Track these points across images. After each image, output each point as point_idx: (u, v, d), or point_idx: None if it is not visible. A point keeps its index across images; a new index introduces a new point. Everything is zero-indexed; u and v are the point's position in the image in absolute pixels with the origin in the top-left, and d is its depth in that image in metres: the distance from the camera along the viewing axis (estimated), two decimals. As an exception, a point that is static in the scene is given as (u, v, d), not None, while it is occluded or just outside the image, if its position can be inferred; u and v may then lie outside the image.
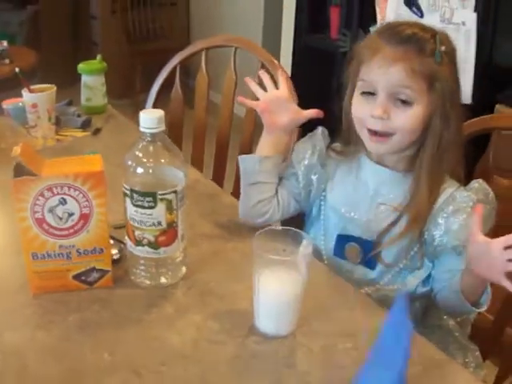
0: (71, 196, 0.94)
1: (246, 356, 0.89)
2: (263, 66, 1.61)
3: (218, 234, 1.17)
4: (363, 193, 1.15)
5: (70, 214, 0.96)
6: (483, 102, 1.80)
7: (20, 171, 0.93)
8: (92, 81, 1.71)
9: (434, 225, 1.08)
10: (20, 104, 1.63)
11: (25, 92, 1.56)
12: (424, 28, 1.08)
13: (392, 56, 1.04)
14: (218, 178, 1.68)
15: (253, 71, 1.58)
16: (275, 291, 0.89)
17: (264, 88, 1.21)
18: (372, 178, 1.14)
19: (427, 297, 1.15)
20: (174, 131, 1.80)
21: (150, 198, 0.95)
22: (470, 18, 1.79)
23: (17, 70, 1.54)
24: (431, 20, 1.86)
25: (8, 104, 1.65)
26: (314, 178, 1.19)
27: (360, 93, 1.09)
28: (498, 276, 0.91)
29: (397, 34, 1.06)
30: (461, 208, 1.06)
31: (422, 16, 1.87)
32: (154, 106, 1.82)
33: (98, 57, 1.73)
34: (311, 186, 1.20)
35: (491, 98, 1.87)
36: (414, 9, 1.86)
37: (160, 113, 0.96)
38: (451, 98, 1.07)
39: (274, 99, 1.18)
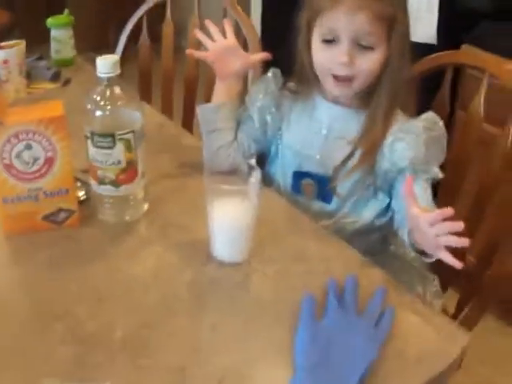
0: (35, 141, 1.01)
1: (203, 282, 0.98)
2: (225, 11, 1.68)
3: (180, 173, 1.24)
4: (317, 130, 1.22)
5: (36, 159, 1.03)
6: (449, 42, 1.84)
7: (-14, 119, 1.01)
8: (60, 34, 1.76)
9: (381, 154, 1.15)
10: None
11: (-5, 49, 1.62)
12: None
13: (356, 4, 1.09)
14: (188, 124, 1.75)
15: (217, 16, 1.65)
16: (228, 219, 0.97)
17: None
18: (326, 115, 1.21)
19: (386, 228, 1.23)
20: (143, 79, 1.87)
21: (109, 139, 1.02)
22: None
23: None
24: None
25: (-22, 61, 1.71)
26: (268, 118, 1.25)
27: (321, 40, 1.14)
28: (433, 249, 0.94)
29: None
30: (405, 133, 1.14)
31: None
32: (123, 55, 1.88)
33: (66, 11, 1.78)
34: (266, 126, 1.26)
35: (457, 39, 1.92)
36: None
37: (115, 58, 1.02)
38: (408, 37, 1.14)
39: (223, 48, 1.24)
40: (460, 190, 1.33)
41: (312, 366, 0.79)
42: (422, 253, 1.00)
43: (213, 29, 1.25)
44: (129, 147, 1.04)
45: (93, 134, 1.03)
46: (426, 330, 0.89)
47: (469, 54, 1.34)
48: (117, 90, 1.03)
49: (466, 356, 0.87)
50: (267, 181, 1.28)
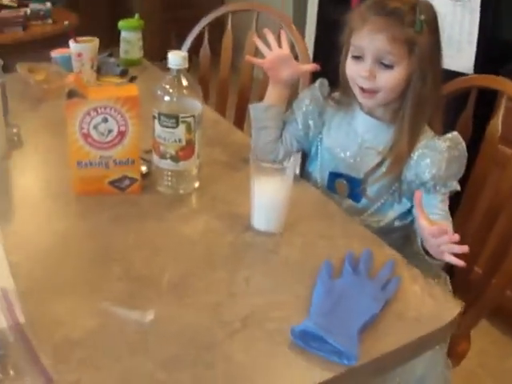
0: (111, 116, 1.24)
1: (241, 245, 1.19)
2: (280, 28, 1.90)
3: (228, 161, 1.46)
4: (353, 138, 1.41)
5: (110, 131, 1.25)
6: (485, 73, 2.03)
7: (72, 95, 1.24)
8: (130, 36, 2.02)
9: (408, 166, 1.33)
10: (66, 54, 1.94)
11: (71, 43, 1.87)
12: (407, 1, 1.30)
13: (377, 26, 1.27)
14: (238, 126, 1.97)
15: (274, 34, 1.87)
16: (267, 194, 1.18)
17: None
18: (362, 125, 1.40)
19: (406, 229, 1.41)
20: (202, 88, 2.09)
21: (174, 120, 1.24)
22: (474, -6, 2.04)
23: (66, 22, 1.84)
24: (441, -4, 2.11)
25: (56, 53, 1.96)
26: (311, 122, 1.45)
27: (351, 56, 1.33)
28: (438, 254, 1.14)
29: (381, 7, 1.29)
30: (430, 150, 1.31)
31: (433, -8, 2.12)
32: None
33: (136, 15, 2.04)
34: (309, 129, 1.46)
35: (493, 71, 2.11)
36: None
37: (184, 53, 1.25)
38: (429, 60, 1.29)
39: (277, 57, 1.43)
40: (476, 206, 1.51)
41: (323, 313, 0.98)
42: (432, 256, 1.20)
43: (270, 38, 1.45)
44: (189, 129, 1.26)
45: (160, 114, 1.25)
46: (424, 298, 1.07)
47: (489, 78, 1.52)
48: (183, 80, 1.25)
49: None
50: (306, 177, 1.48)
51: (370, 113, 1.40)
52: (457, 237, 1.08)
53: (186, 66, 1.25)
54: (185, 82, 1.26)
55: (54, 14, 3.27)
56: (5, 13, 3.11)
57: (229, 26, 2.05)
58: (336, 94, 1.47)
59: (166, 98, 1.25)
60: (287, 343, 0.94)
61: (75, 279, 1.08)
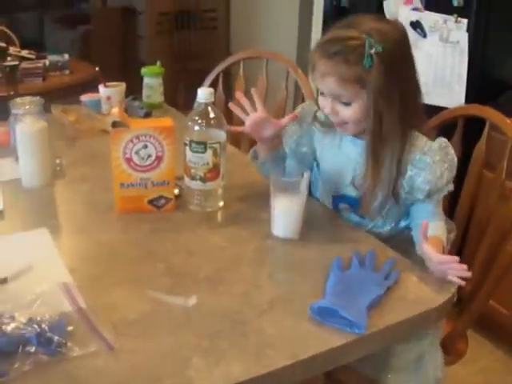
0: (151, 143, 1.51)
1: (263, 249, 1.45)
2: (288, 73, 2.20)
3: (248, 184, 1.73)
4: (346, 161, 1.56)
5: (149, 156, 1.52)
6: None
7: (116, 125, 1.51)
8: (152, 81, 2.31)
9: (401, 186, 1.49)
10: (95, 98, 2.23)
11: (101, 87, 2.16)
12: (353, 37, 1.37)
13: (325, 70, 1.40)
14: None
15: (281, 77, 2.16)
16: (284, 205, 1.44)
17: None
18: (351, 148, 1.54)
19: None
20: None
21: (202, 146, 1.51)
22: (462, 38, 2.34)
23: (97, 68, 2.13)
24: (433, 40, 2.42)
25: (85, 97, 2.26)
26: (304, 150, 1.63)
27: (320, 92, 1.48)
28: (442, 274, 1.30)
29: (326, 50, 1.39)
30: (420, 170, 1.46)
31: (425, 36, 2.43)
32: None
33: (158, 63, 2.34)
34: (303, 158, 1.64)
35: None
36: (418, 30, 2.42)
37: (211, 89, 1.53)
38: (384, 94, 1.38)
39: (254, 121, 1.53)
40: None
41: (336, 293, 1.23)
42: None
43: (243, 101, 1.55)
44: (215, 153, 1.53)
45: (191, 141, 1.52)
46: (421, 285, 1.32)
47: (475, 107, 1.79)
48: (211, 112, 1.53)
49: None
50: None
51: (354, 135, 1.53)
52: (465, 266, 1.27)
53: (213, 99, 1.53)
54: (211, 114, 1.53)
55: (71, 66, 3.60)
56: (25, 64, 3.42)
57: (240, 73, 2.34)
58: (321, 115, 1.58)
59: (196, 128, 1.53)
60: (307, 318, 1.18)
61: (125, 275, 1.32)
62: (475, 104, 1.79)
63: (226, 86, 2.42)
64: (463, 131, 1.79)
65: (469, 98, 2.42)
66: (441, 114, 1.82)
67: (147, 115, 2.23)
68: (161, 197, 1.56)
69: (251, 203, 1.63)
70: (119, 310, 1.21)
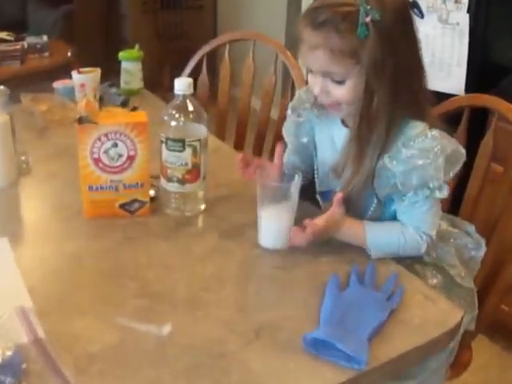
0: (121, 141, 1.30)
1: (250, 261, 1.25)
2: (277, 55, 1.99)
3: (233, 184, 1.52)
4: (334, 150, 1.35)
5: (120, 155, 1.31)
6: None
7: (83, 121, 1.30)
8: (131, 66, 2.09)
9: (378, 178, 1.26)
10: (68, 84, 2.01)
11: (74, 73, 1.94)
12: (346, 3, 1.15)
13: (313, 41, 1.17)
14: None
15: (270, 60, 1.96)
16: (273, 214, 1.24)
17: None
18: (338, 137, 1.34)
19: None
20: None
21: (180, 144, 1.30)
22: (463, 19, 2.13)
23: (69, 53, 1.92)
24: (430, 20, 2.20)
25: (58, 84, 2.03)
26: (304, 140, 1.44)
27: (309, 71, 1.26)
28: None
29: (314, 18, 1.16)
30: (397, 160, 1.23)
31: (422, 17, 2.21)
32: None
33: (136, 46, 2.11)
34: (305, 149, 1.46)
35: (483, 92, 2.20)
36: (416, 10, 2.19)
37: (189, 80, 1.32)
38: (379, 67, 1.16)
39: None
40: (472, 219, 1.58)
41: (333, 321, 1.04)
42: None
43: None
44: (195, 152, 1.32)
45: (167, 139, 1.31)
46: (428, 307, 1.12)
47: (483, 98, 1.59)
48: (189, 105, 1.32)
49: None
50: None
51: (346, 125, 1.34)
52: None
53: (192, 91, 1.32)
54: (190, 107, 1.32)
55: (51, 47, 3.36)
56: (2, 47, 3.19)
57: (226, 57, 2.12)
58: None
59: (173, 123, 1.32)
60: (299, 351, 0.99)
61: (91, 297, 1.13)
62: (482, 94, 1.58)
63: (211, 69, 2.21)
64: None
65: (469, 82, 2.22)
66: (444, 104, 1.61)
67: (124, 103, 2.02)
68: (134, 200, 1.36)
69: (237, 205, 1.42)
70: (82, 340, 1.02)
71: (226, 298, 1.13)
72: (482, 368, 2.26)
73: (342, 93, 1.21)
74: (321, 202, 1.46)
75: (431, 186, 1.22)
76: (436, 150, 1.21)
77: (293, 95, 1.96)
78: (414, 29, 1.23)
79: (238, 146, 2.10)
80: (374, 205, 1.33)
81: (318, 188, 1.46)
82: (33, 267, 1.21)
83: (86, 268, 1.22)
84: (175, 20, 4.55)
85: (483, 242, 1.45)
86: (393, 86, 1.19)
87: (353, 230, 1.28)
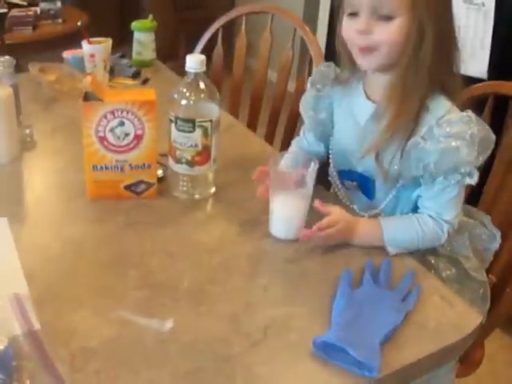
0: (128, 119, 1.22)
1: (260, 252, 1.17)
2: (295, 30, 1.89)
3: (245, 165, 1.43)
4: (355, 126, 1.28)
5: (127, 134, 1.23)
6: (498, 78, 2.01)
7: (88, 97, 1.22)
8: (143, 37, 2.00)
9: (407, 158, 1.19)
10: (78, 54, 1.93)
11: (84, 43, 1.85)
12: None
13: None
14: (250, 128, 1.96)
15: (287, 34, 1.87)
16: (286, 203, 1.16)
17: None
18: (362, 112, 1.27)
19: None
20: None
21: (190, 124, 1.22)
22: (488, 0, 2.02)
23: (79, 23, 1.83)
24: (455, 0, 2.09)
25: (68, 54, 1.95)
26: (322, 116, 1.37)
27: (347, 15, 1.18)
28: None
29: None
30: (425, 139, 1.17)
31: (447, -5, 2.10)
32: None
33: (150, 16, 2.02)
34: (323, 126, 1.38)
35: (506, 75, 2.09)
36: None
37: (202, 57, 1.23)
38: (432, 13, 1.13)
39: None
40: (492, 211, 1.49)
41: (345, 323, 0.96)
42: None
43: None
44: (206, 133, 1.24)
45: (177, 118, 1.23)
46: (444, 308, 1.05)
47: (508, 85, 1.49)
48: (201, 84, 1.23)
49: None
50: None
51: (370, 96, 1.27)
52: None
53: (204, 69, 1.23)
54: (202, 86, 1.24)
55: (64, 14, 3.26)
56: (14, 12, 3.09)
57: (242, 28, 2.03)
58: (341, 74, 1.34)
59: (183, 102, 1.23)
60: (309, 354, 0.92)
61: (91, 286, 1.06)
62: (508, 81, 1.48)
63: (227, 40, 2.11)
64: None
65: (491, 66, 2.11)
66: (468, 89, 1.51)
67: (136, 74, 1.94)
68: (140, 182, 1.28)
69: (248, 190, 1.33)
70: (80, 334, 0.95)
71: (232, 291, 1.06)
72: (488, 358, 2.19)
73: (387, 31, 1.14)
74: (335, 183, 1.40)
75: (462, 170, 1.16)
76: (470, 132, 1.15)
77: (310, 71, 1.89)
78: (452, 7, 1.19)
79: (252, 121, 2.02)
80: (391, 194, 1.27)
81: (333, 168, 1.39)
82: (32, 251, 1.14)
83: (86, 255, 1.14)
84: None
85: (498, 234, 1.38)
86: (439, 43, 1.15)
87: (369, 229, 1.21)
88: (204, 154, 1.26)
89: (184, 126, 1.23)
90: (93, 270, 1.10)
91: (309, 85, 1.40)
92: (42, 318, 0.95)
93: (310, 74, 1.89)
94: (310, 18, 2.94)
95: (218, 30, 2.06)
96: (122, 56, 2.01)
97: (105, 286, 1.06)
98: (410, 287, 1.07)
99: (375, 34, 1.15)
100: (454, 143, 1.15)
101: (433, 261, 1.29)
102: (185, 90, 1.23)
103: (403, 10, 1.12)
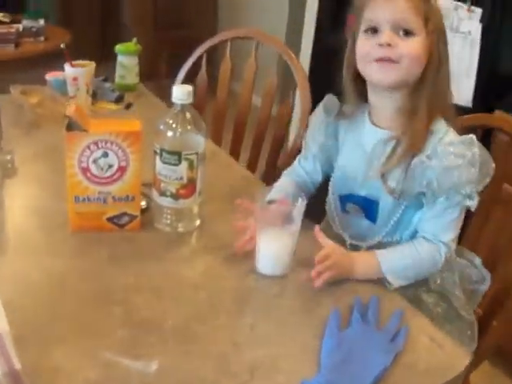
0: (112, 150, 1.19)
1: (245, 289, 1.15)
2: (281, 57, 1.88)
3: (230, 196, 1.40)
4: (362, 155, 1.28)
5: (110, 166, 1.21)
6: (483, 106, 2.02)
7: (72, 127, 1.19)
8: (127, 60, 1.98)
9: (411, 176, 1.21)
10: (61, 77, 1.90)
11: (67, 66, 1.82)
12: None
13: None
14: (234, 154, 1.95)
15: (270, 58, 1.86)
16: (273, 239, 1.14)
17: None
18: (369, 140, 1.28)
19: None
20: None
21: (176, 157, 1.20)
22: (475, 28, 2.02)
23: (62, 45, 1.80)
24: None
25: (50, 76, 1.92)
26: (330, 142, 1.36)
27: (364, 31, 1.20)
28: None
29: None
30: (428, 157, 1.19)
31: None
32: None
33: (134, 39, 2.00)
34: (329, 152, 1.38)
35: (490, 104, 2.10)
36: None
37: (189, 88, 1.21)
38: (443, 38, 1.20)
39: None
40: (478, 242, 1.48)
41: (334, 366, 0.95)
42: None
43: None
44: (191, 166, 1.22)
45: (162, 150, 1.21)
46: (434, 350, 1.03)
47: (502, 119, 1.49)
48: (188, 115, 1.21)
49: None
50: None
51: (376, 124, 1.28)
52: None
53: (191, 100, 1.21)
54: (189, 117, 1.22)
55: (47, 31, 3.23)
56: (-4, 28, 3.06)
57: (227, 53, 2.02)
58: (346, 107, 1.35)
59: (170, 134, 1.21)
60: (296, 397, 0.90)
61: (75, 323, 1.03)
62: (500, 113, 1.49)
63: (211, 63, 2.09)
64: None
65: (477, 94, 2.12)
66: (458, 120, 1.51)
67: (119, 99, 1.91)
68: (124, 214, 1.26)
69: (232, 222, 1.31)
70: (64, 375, 0.92)
71: (218, 330, 1.03)
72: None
73: (411, 45, 1.17)
74: (334, 208, 1.39)
75: (463, 192, 1.18)
76: (471, 153, 1.18)
77: (294, 96, 1.88)
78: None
79: (235, 146, 2.00)
80: (395, 217, 1.28)
81: (332, 194, 1.39)
82: (11, 282, 1.11)
83: (69, 288, 1.11)
84: (175, 6, 4.40)
85: (488, 276, 1.38)
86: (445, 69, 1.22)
87: (366, 261, 1.21)
88: (189, 187, 1.23)
89: (170, 159, 1.21)
90: (75, 305, 1.07)
91: (321, 110, 1.39)
92: (23, 356, 0.92)
93: (293, 100, 1.89)
94: (293, 42, 2.94)
95: (202, 54, 2.05)
96: (105, 80, 1.98)
97: (88, 323, 1.03)
98: (397, 327, 1.06)
99: (398, 48, 1.16)
100: (456, 161, 1.17)
101: (424, 296, 1.29)
102: (171, 122, 1.21)
103: (422, 30, 1.17)
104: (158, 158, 1.22)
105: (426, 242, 1.22)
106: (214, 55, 2.09)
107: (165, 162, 1.21)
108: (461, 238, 1.46)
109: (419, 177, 1.20)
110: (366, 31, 1.20)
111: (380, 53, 1.17)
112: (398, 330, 1.05)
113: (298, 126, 1.87)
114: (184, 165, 1.21)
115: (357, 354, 0.97)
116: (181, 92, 1.19)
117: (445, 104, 1.24)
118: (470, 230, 1.50)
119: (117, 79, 2.00)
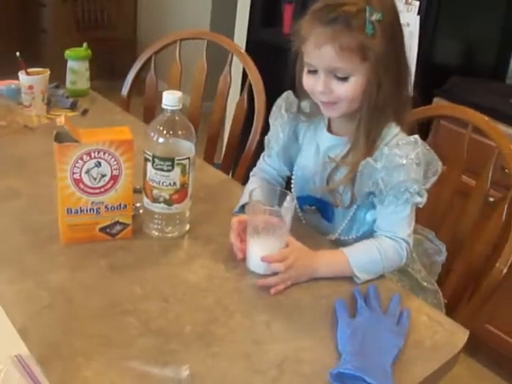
0: (105, 160, 1.19)
1: (248, 288, 1.17)
2: (232, 56, 1.92)
3: (211, 198, 1.44)
4: (317, 157, 1.35)
5: (103, 175, 1.20)
6: (423, 95, 2.11)
7: (62, 138, 1.17)
8: (77, 66, 1.95)
9: (360, 176, 1.26)
10: (13, 86, 1.85)
11: (21, 74, 1.77)
12: (352, 2, 1.17)
13: (321, 38, 1.18)
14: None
15: (222, 60, 1.87)
16: (263, 244, 1.17)
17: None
18: (324, 144, 1.35)
19: None
20: (148, 115, 2.05)
21: (169, 163, 1.21)
22: (413, 20, 2.12)
23: (17, 54, 1.74)
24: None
25: (2, 85, 1.86)
26: (292, 142, 1.41)
27: (307, 71, 1.25)
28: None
29: (324, 16, 1.18)
30: (382, 161, 1.24)
31: (370, 17, 2.19)
32: (129, 92, 2.08)
33: (84, 44, 1.97)
34: (291, 151, 1.42)
35: (430, 92, 2.21)
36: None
37: (179, 94, 1.21)
38: (385, 63, 1.19)
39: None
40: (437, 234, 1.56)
41: (356, 352, 0.99)
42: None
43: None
44: (184, 171, 1.23)
45: (154, 157, 1.21)
46: (435, 327, 1.11)
47: (455, 108, 1.58)
48: (178, 121, 1.22)
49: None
50: None
51: (332, 131, 1.35)
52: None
53: (181, 106, 1.22)
54: (179, 123, 1.22)
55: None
56: None
57: (177, 55, 2.02)
58: (305, 105, 1.39)
59: (161, 140, 1.22)
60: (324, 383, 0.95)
61: (92, 337, 1.01)
62: (452, 104, 1.58)
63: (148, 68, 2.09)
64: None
65: (416, 83, 2.21)
66: (413, 112, 1.58)
67: (73, 105, 1.88)
68: (116, 223, 1.25)
69: (221, 223, 1.33)
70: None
71: (236, 330, 1.06)
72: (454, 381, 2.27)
73: (345, 90, 1.22)
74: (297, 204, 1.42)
75: (411, 190, 1.23)
76: (415, 152, 1.23)
77: (251, 96, 1.91)
78: (401, 25, 1.26)
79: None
80: (349, 216, 1.34)
81: (293, 194, 1.40)
82: (18, 306, 1.07)
83: (78, 304, 1.09)
84: (95, 8, 4.32)
85: (444, 247, 1.48)
86: (396, 81, 1.24)
87: (332, 258, 1.24)
88: (182, 192, 1.25)
89: (162, 165, 1.21)
90: (88, 319, 1.06)
91: (276, 109, 1.42)
92: (50, 377, 0.91)
93: (250, 99, 1.92)
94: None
95: (151, 56, 2.05)
96: (57, 86, 1.94)
97: (106, 335, 1.02)
98: (399, 310, 1.12)
99: (334, 93, 1.23)
100: (400, 161, 1.22)
101: (387, 275, 1.33)
102: (162, 128, 1.22)
103: (356, 70, 1.20)
104: (149, 164, 1.22)
105: (387, 239, 1.26)
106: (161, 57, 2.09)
107: (157, 169, 1.22)
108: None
109: (366, 177, 1.25)
110: (307, 71, 1.26)
111: (320, 97, 1.25)
112: (401, 313, 1.11)
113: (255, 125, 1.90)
114: (177, 170, 1.22)
115: (371, 339, 1.03)
116: (171, 98, 1.20)
117: (396, 107, 1.27)
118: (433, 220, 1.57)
119: (68, 85, 1.96)
